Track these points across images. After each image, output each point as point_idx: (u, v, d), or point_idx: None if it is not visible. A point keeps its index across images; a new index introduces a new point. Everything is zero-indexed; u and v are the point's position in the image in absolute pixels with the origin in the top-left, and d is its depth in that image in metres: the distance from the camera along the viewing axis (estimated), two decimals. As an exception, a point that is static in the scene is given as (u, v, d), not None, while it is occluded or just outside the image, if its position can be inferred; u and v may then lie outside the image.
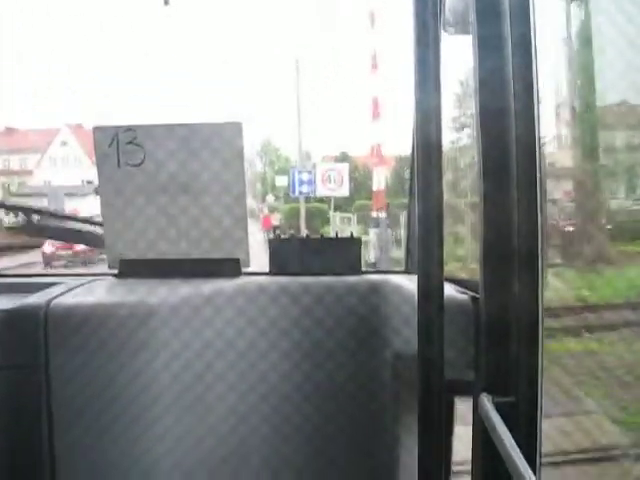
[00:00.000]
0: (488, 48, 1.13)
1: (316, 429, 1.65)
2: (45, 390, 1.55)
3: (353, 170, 18.45)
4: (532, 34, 1.12)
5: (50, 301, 1.58)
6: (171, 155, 1.72)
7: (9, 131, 24.32)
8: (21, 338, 1.56)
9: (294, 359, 1.64)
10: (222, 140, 1.71)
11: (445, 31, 1.25)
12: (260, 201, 23.53)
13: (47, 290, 1.67)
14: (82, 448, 1.57)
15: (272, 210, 21.02)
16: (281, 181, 21.34)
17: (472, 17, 1.15)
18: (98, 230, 1.96)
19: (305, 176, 16.05)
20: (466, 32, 1.21)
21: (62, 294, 1.63)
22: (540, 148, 1.15)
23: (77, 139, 23.67)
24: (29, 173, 23.88)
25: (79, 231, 2.03)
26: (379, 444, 1.65)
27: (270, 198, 23.19)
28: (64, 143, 24.22)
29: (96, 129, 1.74)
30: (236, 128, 1.72)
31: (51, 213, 2.10)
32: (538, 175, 1.16)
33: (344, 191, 15.97)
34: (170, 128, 1.74)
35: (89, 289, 1.72)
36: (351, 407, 1.65)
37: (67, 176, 20.77)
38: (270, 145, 26.89)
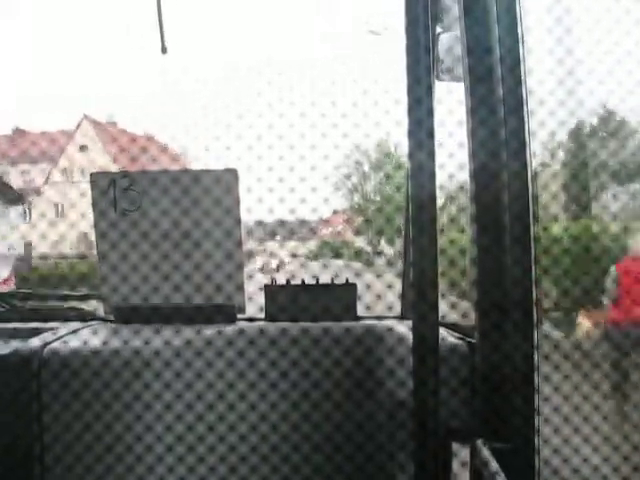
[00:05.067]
0: (480, 95, 1.15)
1: (312, 472, 1.62)
2: (38, 438, 1.52)
3: None
4: (523, 82, 1.15)
5: (44, 347, 1.57)
6: (168, 201, 1.73)
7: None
8: (14, 385, 1.53)
9: (289, 406, 1.62)
10: (219, 186, 1.73)
11: (438, 79, 1.27)
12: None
13: (41, 336, 1.66)
14: None
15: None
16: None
17: (464, 65, 1.17)
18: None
19: None
20: (459, 80, 1.24)
21: (56, 340, 1.62)
22: (532, 194, 1.16)
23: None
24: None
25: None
26: None
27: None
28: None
29: (93, 175, 1.75)
30: (232, 175, 1.74)
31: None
32: (531, 221, 1.17)
33: None
34: (167, 174, 1.76)
35: (83, 335, 1.70)
36: (348, 452, 1.62)
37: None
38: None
